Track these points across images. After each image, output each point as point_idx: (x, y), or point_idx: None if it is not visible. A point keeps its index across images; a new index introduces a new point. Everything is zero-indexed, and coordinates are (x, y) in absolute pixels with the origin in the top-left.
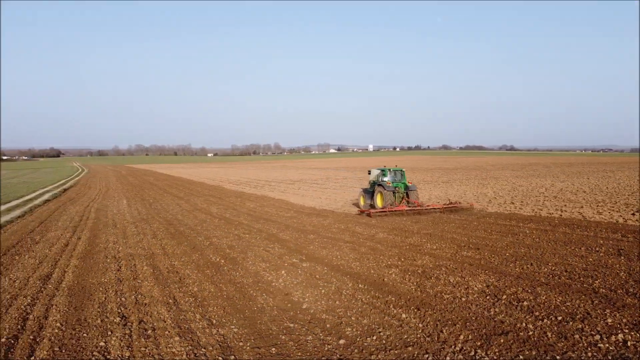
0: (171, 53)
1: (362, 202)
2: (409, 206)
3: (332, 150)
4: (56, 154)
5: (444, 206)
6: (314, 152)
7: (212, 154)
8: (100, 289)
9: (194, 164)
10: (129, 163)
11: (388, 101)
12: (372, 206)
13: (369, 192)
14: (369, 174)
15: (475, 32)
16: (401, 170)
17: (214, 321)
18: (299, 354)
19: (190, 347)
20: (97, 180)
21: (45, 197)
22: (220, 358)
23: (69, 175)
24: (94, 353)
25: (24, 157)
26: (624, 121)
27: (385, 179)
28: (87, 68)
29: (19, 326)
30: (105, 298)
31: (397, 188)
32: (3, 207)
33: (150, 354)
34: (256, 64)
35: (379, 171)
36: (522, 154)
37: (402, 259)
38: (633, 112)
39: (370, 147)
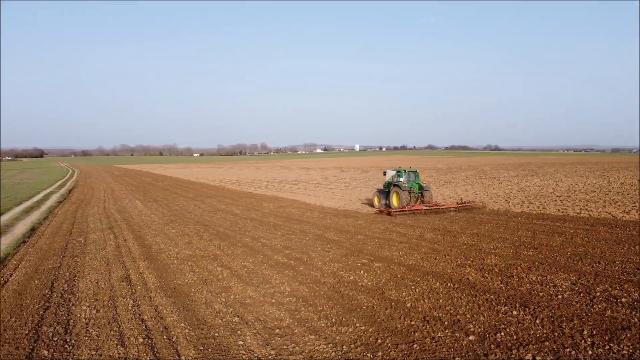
0: (156, 52)
1: (376, 202)
2: (426, 206)
3: (318, 150)
4: (39, 154)
5: (459, 205)
6: (300, 152)
7: (198, 154)
8: (192, 289)
9: (184, 164)
10: (115, 163)
11: (374, 101)
12: (387, 206)
13: (384, 192)
14: (384, 175)
15: (464, 32)
16: (415, 171)
17: (334, 319)
18: (444, 349)
19: (330, 344)
20: (95, 181)
21: (54, 198)
22: (369, 356)
23: (62, 176)
24: (240, 351)
25: (7, 158)
26: (606, 122)
27: (401, 179)
28: (70, 66)
29: (145, 331)
30: (205, 299)
31: (412, 188)
32: (19, 208)
33: (293, 352)
34: (249, 65)
35: (395, 172)
36: (507, 154)
37: (470, 259)
38: (616, 113)
39: (357, 147)
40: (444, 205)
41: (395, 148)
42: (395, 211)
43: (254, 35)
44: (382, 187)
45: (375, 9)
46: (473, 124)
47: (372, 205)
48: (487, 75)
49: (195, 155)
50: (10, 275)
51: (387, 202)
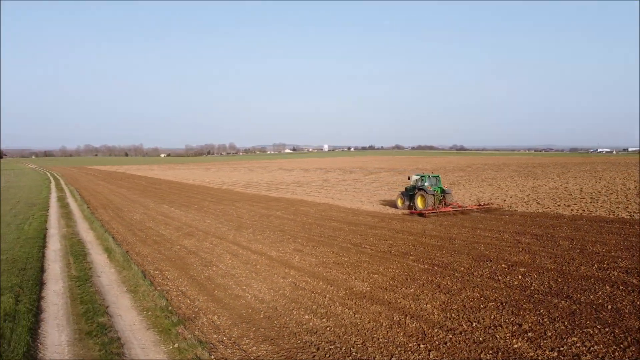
0: (121, 51)
1: (399, 203)
2: (452, 208)
3: (287, 151)
4: None
5: (479, 207)
6: (269, 152)
7: (165, 155)
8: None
9: (160, 164)
10: (83, 164)
11: (342, 101)
12: (411, 207)
13: (408, 195)
14: (409, 179)
15: (429, 34)
16: (437, 176)
17: (525, 326)
18: None
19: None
20: (90, 184)
21: (71, 202)
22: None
23: (45, 179)
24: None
25: None
26: (562, 123)
27: (426, 183)
28: (28, 62)
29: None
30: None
31: (435, 192)
32: (55, 229)
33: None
34: (217, 65)
35: (419, 177)
36: (475, 154)
37: (598, 263)
38: (572, 115)
39: (325, 147)
40: (467, 206)
41: (364, 148)
42: (428, 212)
43: (223, 36)
44: (404, 190)
45: (343, 9)
46: (438, 125)
47: (394, 206)
48: (452, 78)
49: (162, 155)
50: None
51: (411, 204)
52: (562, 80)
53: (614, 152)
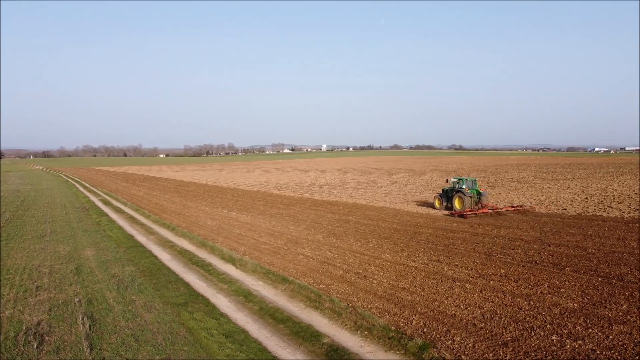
0: (119, 50)
1: (437, 204)
2: (489, 209)
3: (286, 151)
4: None
5: (513, 208)
6: (268, 152)
7: (164, 155)
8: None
9: (167, 165)
10: (84, 165)
11: (341, 101)
12: (448, 208)
13: (445, 197)
14: (447, 182)
15: (426, 34)
16: (474, 180)
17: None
18: None
19: None
20: (116, 186)
21: (130, 212)
22: None
23: (64, 181)
24: None
25: None
26: (559, 123)
27: (464, 186)
28: (25, 62)
29: None
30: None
31: (472, 194)
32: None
33: None
34: (219, 63)
35: (457, 180)
36: (476, 154)
37: None
38: (569, 115)
39: (324, 147)
40: (502, 208)
41: (362, 148)
42: (468, 213)
43: (221, 35)
44: (441, 192)
45: (341, 8)
46: (436, 124)
47: (433, 207)
48: (450, 77)
49: (161, 155)
50: None
51: (449, 205)
52: (557, 80)
53: (612, 152)
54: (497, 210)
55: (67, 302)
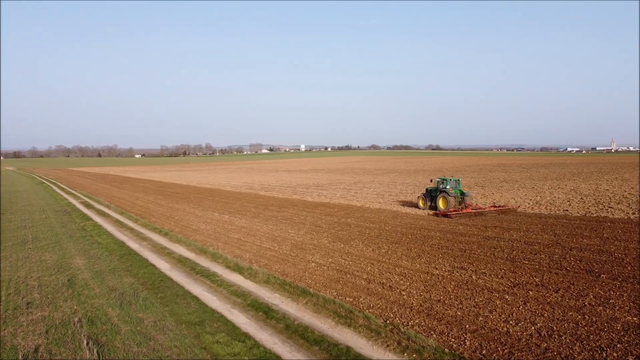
0: (92, 48)
1: (421, 204)
2: (472, 209)
3: (264, 151)
4: None
5: (496, 208)
6: (246, 152)
7: (139, 155)
8: None
9: (144, 166)
10: (62, 166)
11: (319, 101)
12: (432, 208)
13: (429, 196)
14: (431, 182)
15: (404, 34)
16: (457, 180)
17: None
18: None
19: None
20: (96, 188)
21: (118, 216)
22: None
23: (40, 183)
24: None
25: None
26: (532, 122)
27: (448, 186)
28: None
29: None
30: None
31: (456, 194)
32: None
33: None
34: (194, 62)
35: (441, 180)
36: (454, 154)
37: None
38: (542, 114)
39: (302, 147)
40: (486, 208)
41: (340, 148)
42: (452, 213)
43: (193, 34)
44: (425, 192)
45: (319, 8)
46: (413, 125)
47: (416, 206)
48: (426, 78)
49: (137, 156)
50: None
51: (432, 205)
52: (531, 81)
53: (584, 152)
54: (480, 210)
55: (66, 322)
